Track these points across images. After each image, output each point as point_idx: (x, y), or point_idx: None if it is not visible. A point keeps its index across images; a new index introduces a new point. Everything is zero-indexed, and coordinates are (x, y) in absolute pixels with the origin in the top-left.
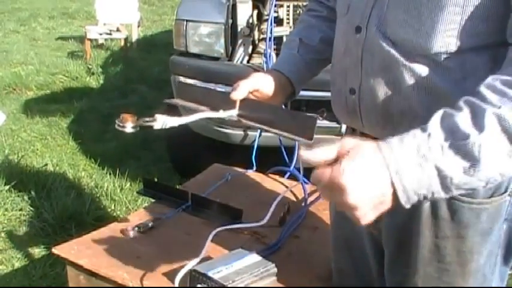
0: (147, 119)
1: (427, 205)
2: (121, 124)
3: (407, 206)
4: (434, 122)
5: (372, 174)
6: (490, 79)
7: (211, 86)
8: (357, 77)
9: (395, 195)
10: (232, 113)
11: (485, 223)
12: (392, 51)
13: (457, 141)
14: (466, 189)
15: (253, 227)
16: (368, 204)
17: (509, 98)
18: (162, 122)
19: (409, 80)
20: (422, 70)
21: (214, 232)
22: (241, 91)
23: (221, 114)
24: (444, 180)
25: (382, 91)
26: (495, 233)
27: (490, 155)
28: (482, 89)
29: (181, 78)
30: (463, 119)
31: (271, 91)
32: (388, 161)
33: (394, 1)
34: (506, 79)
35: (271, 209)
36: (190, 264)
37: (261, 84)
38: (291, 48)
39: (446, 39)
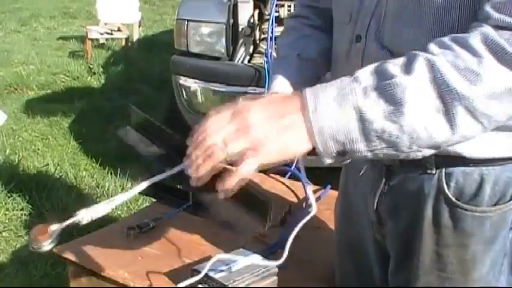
0: (66, 223)
1: (429, 212)
2: (35, 246)
3: (325, 156)
4: (366, 68)
5: (285, 103)
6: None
7: (211, 86)
8: None
9: (307, 133)
10: (181, 168)
11: (489, 231)
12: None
13: (382, 82)
14: (387, 142)
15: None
16: (274, 136)
17: (450, 49)
18: (89, 215)
19: None
20: None
21: (212, 260)
22: None
23: (167, 173)
24: (364, 124)
25: None
26: (499, 242)
27: (414, 101)
28: (430, 42)
29: (182, 78)
30: (394, 63)
31: None
32: (308, 100)
33: (391, 11)
34: (456, 36)
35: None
36: (199, 266)
37: None
38: (288, 64)
39: None
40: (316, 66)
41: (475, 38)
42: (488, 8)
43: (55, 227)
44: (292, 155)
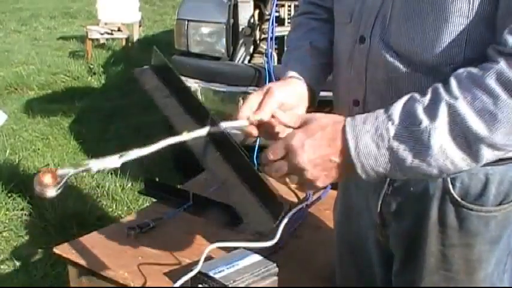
0: (77, 170)
1: (434, 212)
2: (39, 190)
3: (369, 180)
4: (398, 104)
5: (330, 147)
6: (461, 69)
7: (211, 86)
8: (361, 89)
9: (351, 168)
10: (203, 133)
11: (494, 231)
12: (397, 62)
13: (411, 126)
14: (420, 174)
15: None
16: (322, 177)
17: (469, 91)
18: (99, 165)
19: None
20: (428, 82)
21: (208, 249)
22: (266, 111)
23: (188, 136)
24: (397, 162)
25: (387, 103)
26: (504, 241)
27: (439, 143)
28: (452, 77)
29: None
30: (421, 105)
31: (294, 103)
32: (350, 142)
33: (397, 11)
34: (474, 74)
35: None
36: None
37: (284, 99)
38: (302, 53)
39: (451, 49)
40: (329, 55)
41: (491, 78)
42: (506, 36)
43: (63, 172)
44: (337, 181)
